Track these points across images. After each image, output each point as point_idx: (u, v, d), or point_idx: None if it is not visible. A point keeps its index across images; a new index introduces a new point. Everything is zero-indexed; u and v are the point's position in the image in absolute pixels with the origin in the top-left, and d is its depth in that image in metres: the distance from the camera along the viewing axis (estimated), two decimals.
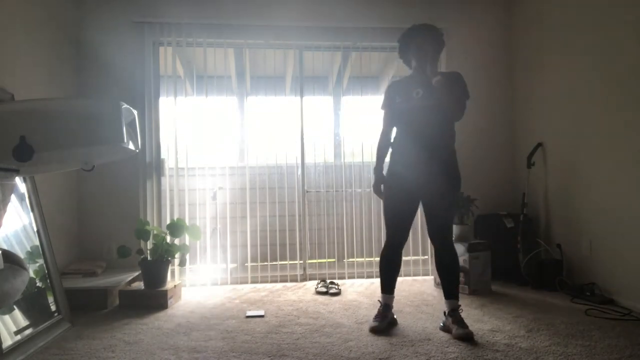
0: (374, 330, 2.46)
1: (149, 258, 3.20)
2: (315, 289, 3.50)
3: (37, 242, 2.67)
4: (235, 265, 3.91)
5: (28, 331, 2.26)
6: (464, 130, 4.01)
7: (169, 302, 3.07)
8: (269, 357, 2.13)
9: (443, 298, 2.53)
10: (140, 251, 3.25)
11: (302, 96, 4.00)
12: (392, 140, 2.67)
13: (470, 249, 3.31)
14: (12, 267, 1.86)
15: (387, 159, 2.68)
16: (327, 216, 4.00)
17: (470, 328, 2.37)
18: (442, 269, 2.54)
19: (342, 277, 3.93)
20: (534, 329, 2.47)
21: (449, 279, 2.51)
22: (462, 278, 3.33)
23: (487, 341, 2.29)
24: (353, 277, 3.94)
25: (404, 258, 2.48)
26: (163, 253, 3.18)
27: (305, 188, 3.98)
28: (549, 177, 3.68)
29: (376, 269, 3.93)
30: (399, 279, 3.84)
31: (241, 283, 3.84)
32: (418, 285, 3.63)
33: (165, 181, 3.82)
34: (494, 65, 4.16)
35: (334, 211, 4.01)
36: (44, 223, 2.76)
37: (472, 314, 2.79)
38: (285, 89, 4.11)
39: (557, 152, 3.58)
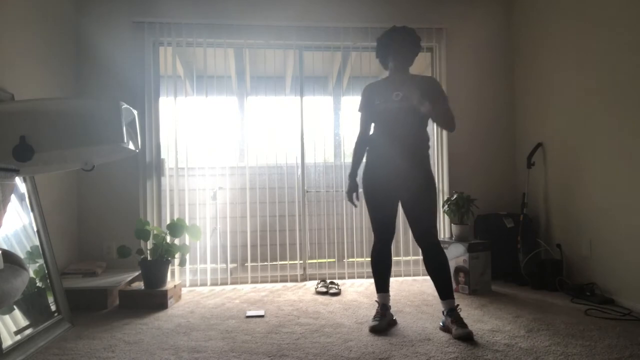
0: (374, 330, 2.46)
1: (149, 258, 3.20)
2: (315, 289, 3.50)
3: (37, 242, 2.67)
4: (235, 265, 3.91)
5: (28, 331, 2.26)
6: (464, 131, 4.04)
7: (169, 302, 3.08)
8: (269, 357, 2.13)
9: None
10: (140, 251, 3.26)
11: (302, 96, 4.00)
12: (369, 141, 2.69)
13: (470, 249, 3.31)
14: (12, 267, 1.86)
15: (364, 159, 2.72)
16: (327, 216, 4.01)
17: (470, 328, 2.37)
18: (433, 270, 2.51)
19: (342, 277, 3.93)
20: (534, 329, 2.47)
21: (441, 279, 2.49)
22: (462, 278, 3.33)
23: (487, 341, 2.29)
24: (353, 277, 3.94)
25: (403, 258, 2.50)
26: (163, 253, 3.18)
27: (305, 188, 3.98)
28: (549, 177, 3.68)
29: None
30: (399, 279, 3.87)
31: (241, 283, 3.84)
32: (418, 285, 3.63)
33: (165, 181, 3.82)
34: (494, 65, 4.16)
35: (334, 211, 4.01)
36: (44, 223, 2.76)
37: (472, 314, 2.79)
38: (285, 89, 4.11)
39: (557, 152, 3.58)
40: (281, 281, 3.89)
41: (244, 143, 4.02)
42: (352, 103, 4.16)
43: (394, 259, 2.73)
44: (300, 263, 3.96)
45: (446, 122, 2.53)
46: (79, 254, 3.67)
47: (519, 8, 4.07)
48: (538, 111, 3.82)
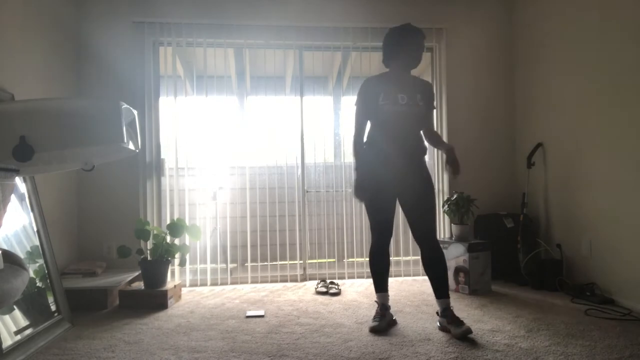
0: (374, 330, 2.46)
1: (149, 258, 3.20)
2: (315, 289, 3.50)
3: (37, 242, 2.67)
4: (235, 265, 3.91)
5: (28, 331, 2.26)
6: (464, 131, 4.04)
7: (169, 302, 3.07)
8: (269, 357, 2.13)
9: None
10: (140, 251, 3.26)
11: (302, 96, 4.00)
12: (367, 139, 2.63)
13: (470, 249, 3.31)
14: (12, 267, 1.86)
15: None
16: (327, 216, 4.01)
17: (471, 328, 2.37)
18: (431, 269, 2.52)
19: (342, 277, 3.93)
20: (534, 329, 2.47)
21: (438, 278, 2.50)
22: (462, 278, 3.33)
23: (487, 341, 2.29)
24: (353, 277, 3.94)
25: (403, 258, 2.50)
26: (163, 253, 3.18)
27: (305, 188, 3.98)
28: (549, 177, 3.68)
29: None
30: (399, 279, 3.87)
31: (241, 283, 3.84)
32: (418, 285, 3.63)
33: (165, 181, 3.82)
34: (494, 65, 4.16)
35: (334, 211, 4.01)
36: (44, 223, 2.76)
37: (472, 314, 2.79)
38: (285, 89, 4.11)
39: (557, 152, 3.58)
40: (281, 281, 3.89)
41: (244, 143, 4.02)
42: (352, 103, 4.15)
43: (394, 259, 2.74)
44: (300, 263, 3.96)
45: (430, 129, 2.67)
46: (79, 254, 3.67)
47: (519, 8, 4.07)
48: (538, 111, 3.82)
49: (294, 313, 2.89)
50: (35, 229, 2.68)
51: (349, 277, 3.94)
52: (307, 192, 3.99)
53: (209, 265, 3.83)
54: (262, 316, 2.82)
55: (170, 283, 3.23)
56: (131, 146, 2.16)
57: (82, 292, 3.01)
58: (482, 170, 4.09)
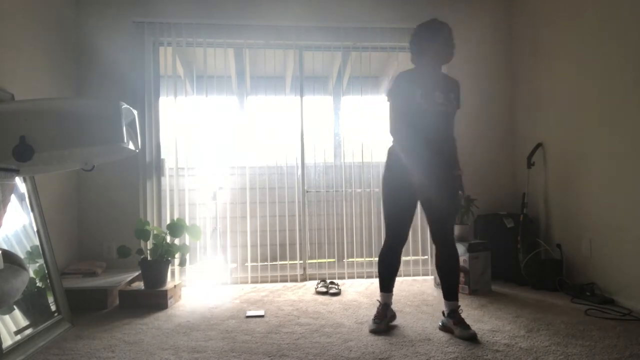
0: (374, 332, 2.46)
1: (149, 258, 3.20)
2: (315, 289, 3.50)
3: (37, 242, 2.67)
4: (235, 265, 3.91)
5: (28, 331, 2.26)
6: (464, 131, 4.03)
7: (169, 302, 3.07)
8: (269, 357, 2.13)
9: (443, 298, 2.52)
10: (140, 251, 3.26)
11: (302, 96, 4.00)
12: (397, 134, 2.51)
13: (470, 249, 3.31)
14: (12, 267, 1.86)
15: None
16: (327, 216, 4.01)
17: (477, 334, 2.36)
18: (445, 270, 2.50)
19: (342, 277, 3.93)
20: (534, 329, 2.47)
21: (451, 279, 2.49)
22: (462, 278, 3.33)
23: (487, 341, 2.29)
24: (353, 277, 3.94)
25: (403, 258, 2.47)
26: (163, 253, 3.18)
27: (305, 188, 3.98)
28: (549, 177, 3.68)
29: (376, 269, 3.92)
30: (399, 279, 3.84)
31: (241, 283, 3.84)
32: (418, 285, 3.63)
33: (165, 181, 3.82)
34: (494, 65, 4.16)
35: (334, 211, 4.01)
36: (44, 223, 2.76)
37: (472, 314, 2.79)
38: (285, 89, 4.11)
39: (557, 152, 3.58)
40: (281, 281, 3.89)
41: (244, 143, 4.02)
42: (352, 103, 4.16)
43: None
44: (300, 263, 3.96)
45: (451, 133, 2.60)
46: (79, 254, 3.67)
47: (519, 8, 4.07)
48: (538, 111, 3.82)
49: (294, 313, 2.89)
50: (35, 229, 2.68)
51: (349, 277, 3.94)
52: (307, 192, 3.99)
53: (209, 265, 3.83)
54: (262, 316, 2.82)
55: (170, 283, 3.23)
56: (131, 146, 2.16)
57: (82, 292, 3.00)
58: (482, 170, 4.09)
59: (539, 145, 3.75)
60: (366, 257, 4.00)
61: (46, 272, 2.66)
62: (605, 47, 3.04)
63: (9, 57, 2.81)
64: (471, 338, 2.31)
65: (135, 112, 2.22)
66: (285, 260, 3.96)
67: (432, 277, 3.73)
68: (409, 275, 3.98)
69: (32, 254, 2.60)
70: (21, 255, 2.45)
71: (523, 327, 2.49)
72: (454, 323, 2.40)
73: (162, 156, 3.83)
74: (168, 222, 3.56)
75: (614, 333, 2.38)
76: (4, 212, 2.39)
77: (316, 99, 4.17)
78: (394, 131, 2.49)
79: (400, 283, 3.72)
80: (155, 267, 3.12)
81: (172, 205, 3.80)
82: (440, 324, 2.52)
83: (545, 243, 3.67)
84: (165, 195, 3.81)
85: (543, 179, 3.75)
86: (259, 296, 3.37)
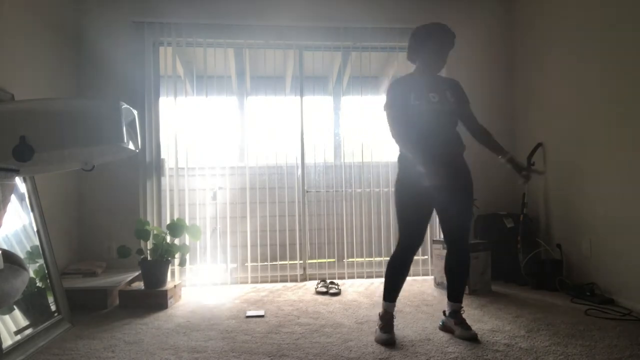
0: (387, 343, 2.27)
1: (149, 258, 3.20)
2: (315, 289, 3.50)
3: (37, 242, 2.67)
4: (235, 265, 3.91)
5: (28, 331, 2.26)
6: (464, 130, 4.02)
7: (169, 302, 3.07)
8: (269, 357, 2.13)
9: (444, 298, 2.51)
10: (140, 251, 3.26)
11: (302, 96, 4.00)
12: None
13: (470, 249, 3.30)
14: (12, 267, 1.86)
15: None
16: (327, 216, 4.01)
17: (477, 335, 2.35)
18: (455, 271, 2.48)
19: (342, 277, 3.93)
20: (534, 329, 2.47)
21: (458, 282, 2.47)
22: None
23: (487, 341, 2.29)
24: (353, 277, 3.94)
25: None
26: (163, 253, 3.18)
27: (305, 188, 3.98)
28: (549, 178, 3.68)
29: (376, 269, 3.94)
30: None
31: (241, 283, 3.84)
32: (418, 285, 3.63)
33: (165, 181, 3.82)
34: (494, 64, 4.16)
35: (334, 211, 4.01)
36: (44, 223, 2.76)
37: (472, 314, 2.79)
38: (285, 89, 4.11)
39: (557, 152, 3.58)
40: (281, 281, 3.89)
41: (244, 143, 4.02)
42: (352, 103, 4.16)
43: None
44: (300, 263, 3.96)
45: (477, 127, 2.56)
46: (79, 254, 3.67)
47: (519, 8, 4.07)
48: (538, 111, 3.82)
49: (294, 313, 2.89)
50: (35, 229, 2.68)
51: (349, 277, 3.94)
52: (307, 192, 3.99)
53: (209, 265, 3.83)
54: (262, 316, 2.82)
55: (170, 283, 3.23)
56: (131, 146, 2.16)
57: (82, 292, 3.00)
58: (482, 170, 4.06)
59: (539, 145, 3.75)
60: (366, 257, 4.00)
61: (46, 272, 2.66)
62: (606, 47, 3.04)
63: (9, 57, 2.81)
64: (472, 338, 2.30)
65: (135, 112, 2.22)
66: (285, 260, 3.96)
67: (432, 277, 3.72)
68: (409, 275, 3.95)
69: (32, 254, 2.60)
70: (21, 255, 2.45)
71: (523, 327, 2.49)
72: (455, 323, 2.39)
73: (162, 156, 3.83)
74: (168, 222, 3.56)
75: (614, 333, 2.38)
76: (4, 212, 2.39)
77: (316, 99, 4.18)
78: (396, 136, 2.42)
79: None
80: (155, 267, 3.12)
81: (172, 205, 3.80)
82: (441, 323, 2.52)
83: (545, 243, 3.67)
84: (165, 195, 3.81)
85: (543, 179, 3.75)
86: (259, 296, 3.37)
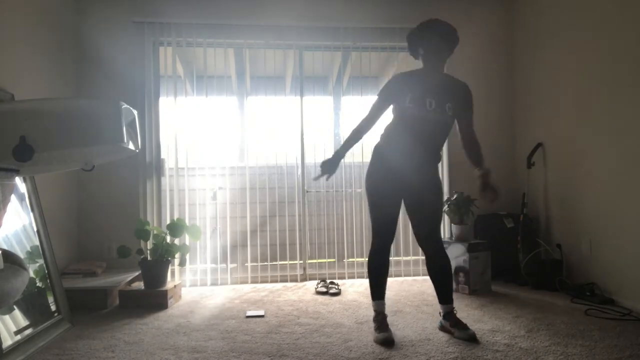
0: (386, 342, 2.27)
1: (149, 258, 3.20)
2: (315, 289, 3.50)
3: (37, 242, 2.67)
4: (235, 265, 3.91)
5: (28, 331, 2.26)
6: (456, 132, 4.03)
7: (169, 302, 3.07)
8: (269, 357, 2.13)
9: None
10: (140, 251, 3.26)
11: (302, 96, 4.00)
12: (384, 134, 2.51)
13: (470, 249, 3.31)
14: (12, 267, 1.86)
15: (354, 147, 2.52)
16: (327, 216, 4.01)
17: (471, 328, 2.36)
18: (435, 273, 2.48)
19: (342, 277, 3.93)
20: (534, 329, 2.47)
21: (443, 283, 2.47)
22: (462, 278, 3.33)
23: (487, 341, 2.29)
24: (353, 277, 3.94)
25: (403, 258, 2.46)
26: (163, 253, 3.18)
27: (305, 188, 3.98)
28: (549, 177, 3.68)
29: None
30: (399, 279, 3.87)
31: (241, 283, 3.84)
32: (418, 285, 3.63)
33: (165, 181, 3.82)
34: (494, 64, 4.16)
35: (334, 211, 4.01)
36: (44, 223, 2.76)
37: (472, 314, 2.79)
38: (285, 89, 4.11)
39: (557, 152, 3.58)
40: (281, 281, 3.89)
41: (244, 143, 4.02)
42: (352, 103, 4.15)
43: (394, 259, 2.70)
44: (300, 263, 3.96)
45: (469, 136, 2.48)
46: (79, 254, 3.67)
47: (519, 8, 4.07)
48: (538, 111, 3.82)
49: (294, 313, 2.89)
50: (35, 229, 2.68)
51: (349, 277, 3.94)
52: (307, 192, 3.99)
53: (209, 265, 3.83)
54: (262, 316, 2.82)
55: (170, 283, 3.23)
56: (131, 146, 2.16)
57: (82, 292, 3.00)
58: None
59: (539, 145, 3.75)
60: (366, 257, 3.98)
61: (46, 272, 2.66)
62: (606, 47, 3.04)
63: (9, 57, 2.81)
64: (470, 338, 2.30)
65: (135, 112, 2.22)
66: (285, 260, 3.96)
67: None
68: (409, 275, 3.98)
69: (32, 254, 2.60)
70: (21, 255, 2.45)
71: (523, 327, 2.49)
72: (450, 325, 2.39)
73: (162, 156, 3.83)
74: (168, 222, 3.56)
75: (614, 333, 2.38)
76: (4, 212, 2.39)
77: (316, 99, 4.17)
78: (359, 124, 2.47)
79: (401, 283, 3.72)
80: (155, 267, 3.12)
81: (172, 205, 3.80)
82: (440, 324, 2.52)
83: (545, 243, 3.67)
84: (165, 195, 3.81)
85: (543, 179, 3.75)
86: (259, 296, 3.37)
